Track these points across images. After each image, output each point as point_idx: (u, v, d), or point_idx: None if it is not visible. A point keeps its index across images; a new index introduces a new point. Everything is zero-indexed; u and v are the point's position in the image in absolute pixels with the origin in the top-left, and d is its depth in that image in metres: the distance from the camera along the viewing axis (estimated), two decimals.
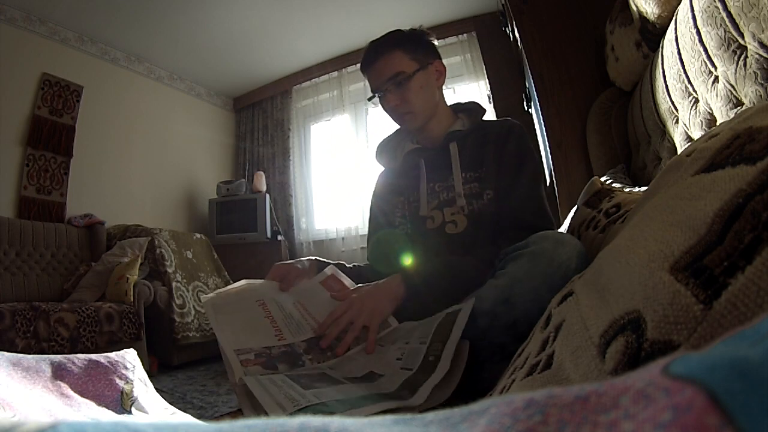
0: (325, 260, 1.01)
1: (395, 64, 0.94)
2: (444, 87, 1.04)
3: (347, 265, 1.05)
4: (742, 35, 0.71)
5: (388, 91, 0.96)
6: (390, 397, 0.56)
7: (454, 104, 1.07)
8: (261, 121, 3.99)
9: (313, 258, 0.99)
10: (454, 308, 0.68)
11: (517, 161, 0.92)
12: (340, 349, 0.71)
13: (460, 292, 0.74)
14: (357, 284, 0.99)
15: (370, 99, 1.02)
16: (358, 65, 1.03)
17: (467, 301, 0.67)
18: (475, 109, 1.04)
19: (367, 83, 1.02)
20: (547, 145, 1.79)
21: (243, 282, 0.85)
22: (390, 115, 1.00)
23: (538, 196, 0.91)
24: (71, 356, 0.64)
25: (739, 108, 0.79)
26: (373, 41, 0.99)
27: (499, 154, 0.94)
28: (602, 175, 1.40)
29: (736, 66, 0.74)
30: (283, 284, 0.86)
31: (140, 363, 0.72)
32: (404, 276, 0.80)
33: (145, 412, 0.64)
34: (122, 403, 0.62)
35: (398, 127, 1.08)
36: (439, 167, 0.97)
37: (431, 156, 1.00)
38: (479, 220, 0.91)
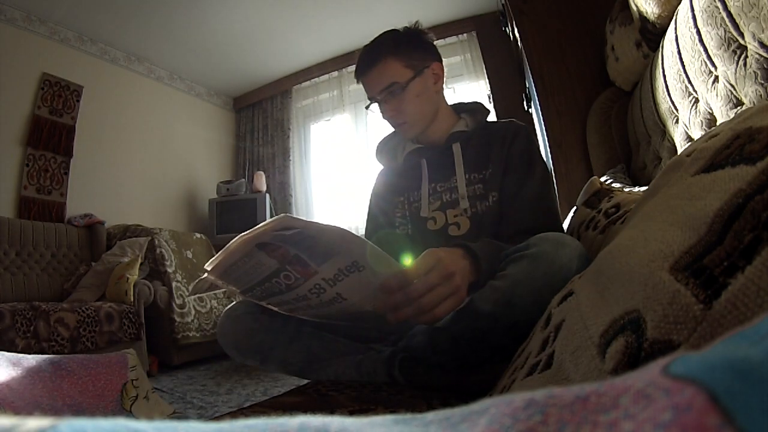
0: None
1: (389, 74, 0.90)
2: (444, 87, 1.01)
3: None
4: (742, 35, 0.71)
5: (383, 101, 0.94)
6: None
7: (456, 104, 1.05)
8: (261, 121, 3.98)
9: None
10: None
11: (526, 163, 0.90)
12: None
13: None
14: None
15: (367, 107, 1.00)
16: None
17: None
18: (479, 109, 1.02)
19: None
20: (547, 145, 1.79)
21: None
22: (389, 122, 0.99)
23: (547, 198, 0.89)
24: (71, 356, 0.64)
25: (739, 108, 0.79)
26: (366, 46, 0.95)
27: (506, 156, 0.91)
28: (602, 175, 1.40)
29: (736, 66, 0.74)
30: None
31: (140, 363, 0.72)
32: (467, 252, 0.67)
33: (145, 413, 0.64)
34: (122, 403, 0.62)
35: None
36: (442, 168, 0.96)
37: (433, 156, 0.98)
38: (482, 223, 0.89)
